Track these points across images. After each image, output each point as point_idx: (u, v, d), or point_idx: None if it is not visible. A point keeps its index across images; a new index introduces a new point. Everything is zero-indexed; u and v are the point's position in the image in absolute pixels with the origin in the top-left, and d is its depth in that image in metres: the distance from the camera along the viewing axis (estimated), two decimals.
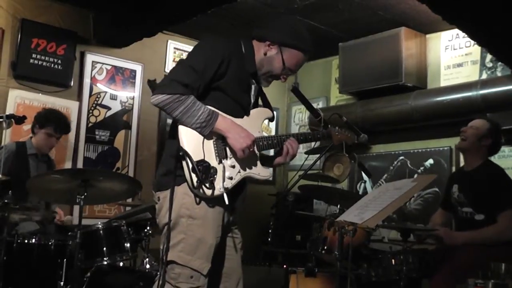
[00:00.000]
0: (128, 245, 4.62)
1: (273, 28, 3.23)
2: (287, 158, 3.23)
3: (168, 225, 2.90)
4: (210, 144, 3.02)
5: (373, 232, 4.80)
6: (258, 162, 3.20)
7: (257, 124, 3.24)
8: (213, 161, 2.97)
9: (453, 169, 6.02)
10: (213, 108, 3.00)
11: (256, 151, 3.14)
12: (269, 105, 3.40)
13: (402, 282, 4.06)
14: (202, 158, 2.94)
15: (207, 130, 2.98)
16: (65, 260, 4.37)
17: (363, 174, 6.66)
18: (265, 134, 3.24)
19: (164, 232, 2.98)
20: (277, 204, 6.46)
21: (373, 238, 4.85)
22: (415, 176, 6.29)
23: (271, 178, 3.27)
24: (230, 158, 3.06)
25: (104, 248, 4.54)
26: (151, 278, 4.39)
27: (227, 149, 3.06)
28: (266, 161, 3.29)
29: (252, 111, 3.24)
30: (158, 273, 3.02)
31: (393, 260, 4.25)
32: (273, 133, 7.86)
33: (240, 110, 3.16)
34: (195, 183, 2.90)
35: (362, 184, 7.03)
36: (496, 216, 4.28)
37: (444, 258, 4.26)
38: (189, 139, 2.97)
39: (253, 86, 3.26)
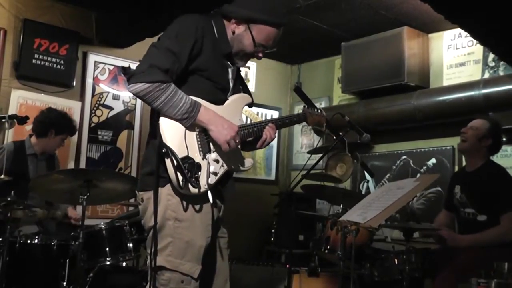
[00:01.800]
0: (131, 245, 4.61)
1: (239, 3, 3.06)
2: (263, 144, 3.16)
3: (154, 228, 2.80)
4: (192, 138, 2.89)
5: (376, 232, 4.80)
6: (240, 153, 3.12)
7: (238, 111, 3.12)
8: (197, 157, 2.86)
9: (456, 168, 6.01)
10: (195, 98, 2.86)
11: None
12: (248, 91, 3.26)
13: (405, 282, 4.07)
14: (186, 154, 2.82)
15: (189, 122, 2.84)
16: (67, 260, 4.38)
17: (366, 174, 6.66)
18: (245, 121, 3.13)
19: (151, 235, 2.85)
20: (280, 204, 6.46)
21: (376, 237, 4.85)
22: (418, 175, 6.29)
23: (251, 167, 3.20)
24: (213, 151, 2.94)
25: (107, 248, 4.53)
26: None
27: (210, 142, 2.94)
28: (244, 146, 3.21)
29: (232, 98, 3.10)
30: (148, 279, 2.89)
31: (396, 260, 4.26)
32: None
33: (220, 94, 3.04)
34: (180, 182, 2.77)
35: (365, 184, 7.03)
36: (499, 217, 4.27)
37: (446, 258, 4.25)
38: (171, 133, 2.82)
39: (229, 70, 3.09)
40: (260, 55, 3.11)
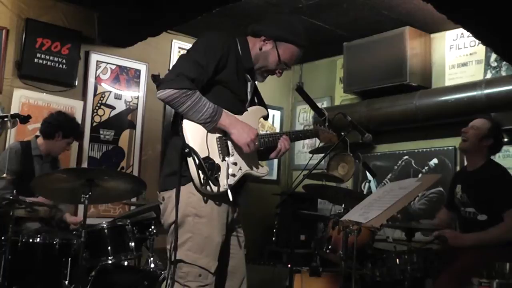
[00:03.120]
0: (133, 244, 4.63)
1: (269, 23, 3.31)
2: (278, 154, 3.31)
3: (175, 224, 2.92)
4: (213, 141, 3.07)
5: (378, 232, 4.80)
6: (257, 159, 3.27)
7: (254, 122, 3.28)
8: (216, 158, 3.02)
9: (458, 168, 6.01)
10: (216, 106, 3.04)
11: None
12: (264, 103, 3.45)
13: (407, 282, 4.07)
14: (207, 155, 2.99)
15: (211, 126, 3.03)
16: (69, 259, 4.39)
17: (368, 174, 6.65)
18: (261, 131, 3.29)
19: (171, 231, 3.01)
20: (282, 203, 6.46)
21: (377, 237, 4.85)
22: (420, 175, 6.28)
23: (267, 175, 3.33)
24: (233, 155, 3.12)
25: (109, 247, 4.55)
26: (155, 277, 4.42)
27: (230, 146, 3.11)
28: (259, 156, 3.34)
29: (250, 109, 3.30)
30: (166, 272, 3.05)
31: (397, 260, 4.25)
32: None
33: (239, 105, 3.22)
34: (202, 180, 2.93)
35: (367, 184, 7.03)
36: (502, 215, 4.27)
37: (448, 258, 4.25)
38: (194, 136, 3.00)
39: (249, 84, 3.30)
40: (280, 72, 3.34)
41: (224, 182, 3.00)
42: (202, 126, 3.02)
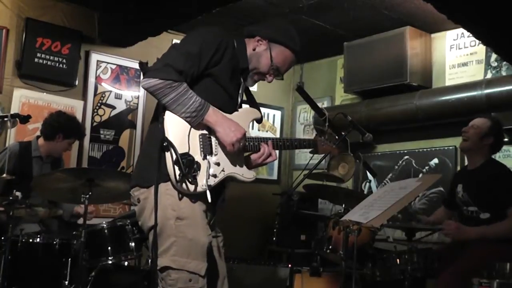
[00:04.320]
0: (133, 244, 4.61)
1: (264, 25, 3.27)
2: (255, 165, 3.20)
3: (154, 229, 2.82)
4: (196, 138, 2.93)
5: (378, 232, 4.80)
6: (243, 162, 3.13)
7: (245, 123, 3.13)
8: (197, 156, 2.88)
9: (458, 168, 6.00)
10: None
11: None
12: (257, 106, 3.33)
13: (407, 281, 4.07)
14: (187, 151, 2.85)
15: (197, 121, 2.90)
16: (69, 259, 4.37)
17: (368, 174, 6.66)
18: (252, 135, 3.19)
19: (151, 236, 2.88)
20: (282, 203, 6.46)
21: (377, 237, 4.85)
22: (420, 175, 6.28)
23: (253, 180, 3.19)
24: (216, 154, 2.97)
25: (109, 248, 4.53)
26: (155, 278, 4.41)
27: (213, 145, 2.98)
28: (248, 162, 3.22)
29: (241, 110, 3.18)
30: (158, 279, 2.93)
31: (397, 260, 4.26)
32: (278, 132, 7.88)
33: (230, 103, 3.10)
34: (177, 177, 2.80)
35: (367, 184, 7.02)
36: (505, 211, 4.26)
37: (448, 258, 4.25)
38: (175, 130, 2.87)
39: (240, 85, 3.20)
40: (271, 78, 3.23)
41: (203, 181, 2.85)
42: (187, 121, 2.88)
